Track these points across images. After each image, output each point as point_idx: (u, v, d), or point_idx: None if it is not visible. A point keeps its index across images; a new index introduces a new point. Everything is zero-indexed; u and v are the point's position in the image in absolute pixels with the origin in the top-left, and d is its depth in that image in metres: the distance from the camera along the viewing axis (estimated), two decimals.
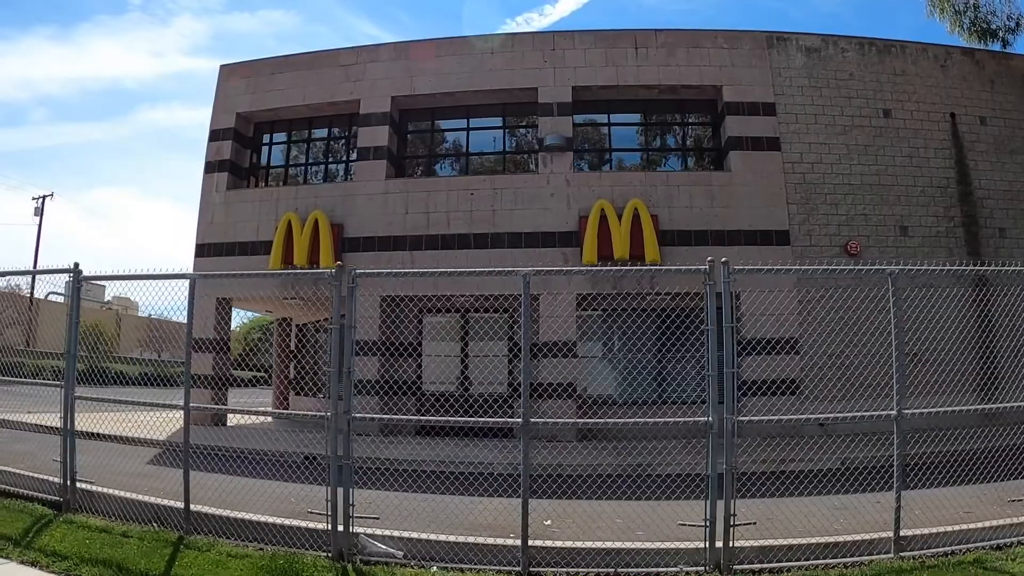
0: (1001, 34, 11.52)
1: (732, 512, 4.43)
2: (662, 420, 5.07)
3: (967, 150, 11.46)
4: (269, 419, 14.50)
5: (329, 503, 4.46)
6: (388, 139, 12.22)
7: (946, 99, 11.69)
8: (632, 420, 5.04)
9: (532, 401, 10.76)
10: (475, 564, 4.31)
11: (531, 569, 4.25)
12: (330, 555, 4.39)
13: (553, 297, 10.97)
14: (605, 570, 4.33)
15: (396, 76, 12.44)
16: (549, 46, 12.14)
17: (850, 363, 10.12)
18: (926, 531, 4.77)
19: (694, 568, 4.37)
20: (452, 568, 4.28)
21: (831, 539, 4.71)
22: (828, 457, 8.51)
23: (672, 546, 4.52)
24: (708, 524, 4.38)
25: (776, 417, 5.02)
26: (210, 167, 13.08)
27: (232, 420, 12.76)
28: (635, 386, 11.26)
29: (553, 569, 4.32)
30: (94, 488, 5.45)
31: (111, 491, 5.43)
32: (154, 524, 4.96)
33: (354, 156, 12.67)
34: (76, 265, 5.56)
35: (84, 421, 9.09)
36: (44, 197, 28.28)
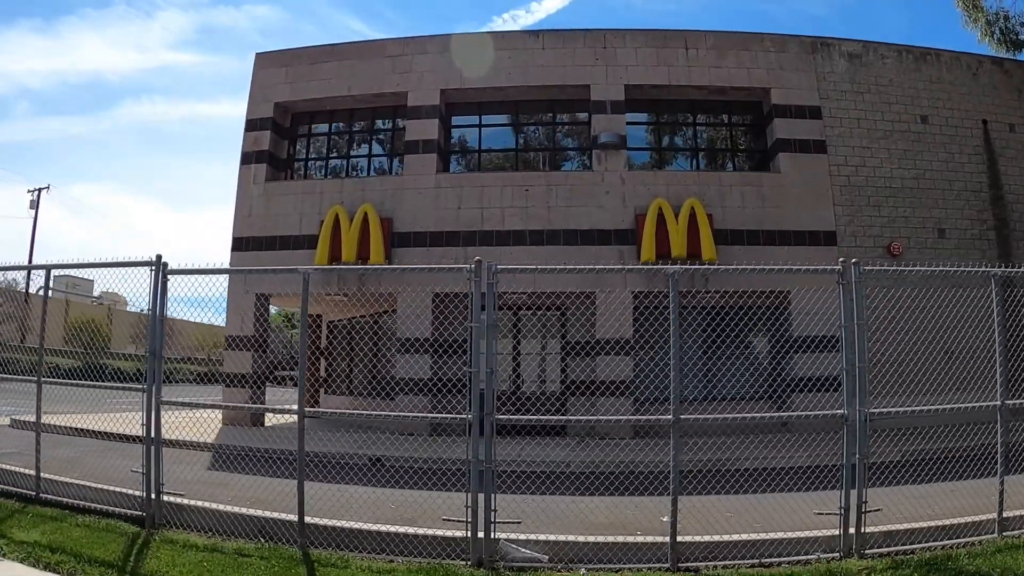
0: None
1: (864, 500, 4.81)
2: (795, 414, 5.43)
3: (998, 156, 12.26)
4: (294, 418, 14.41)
5: (469, 509, 4.41)
6: (438, 133, 12.32)
7: (978, 106, 12.47)
8: (761, 415, 5.37)
9: (587, 399, 11.13)
10: (622, 563, 4.43)
11: (680, 564, 4.44)
12: (469, 563, 4.35)
13: (607, 295, 11.27)
14: (749, 561, 4.60)
15: (445, 69, 12.52)
16: (600, 44, 12.42)
17: (890, 360, 10.72)
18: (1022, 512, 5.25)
19: (829, 555, 4.70)
20: (601, 569, 4.36)
21: (944, 522, 5.12)
22: (888, 451, 9.07)
23: (809, 535, 4.83)
24: (842, 512, 4.74)
25: (906, 409, 5.43)
26: (247, 158, 12.92)
27: (264, 420, 12.69)
28: (688, 383, 11.69)
29: (703, 563, 4.52)
30: (184, 501, 5.19)
31: (205, 504, 5.17)
32: (261, 539, 4.74)
33: (401, 149, 12.72)
34: (159, 258, 5.38)
35: (100, 422, 8.86)
36: (40, 190, 27.14)
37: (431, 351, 11.26)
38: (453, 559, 4.41)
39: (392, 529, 4.71)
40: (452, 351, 11.69)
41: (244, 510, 5.07)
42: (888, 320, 10.23)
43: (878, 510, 4.83)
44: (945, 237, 11.91)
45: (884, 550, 4.81)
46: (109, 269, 5.72)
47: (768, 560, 4.61)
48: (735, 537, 4.78)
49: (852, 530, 4.71)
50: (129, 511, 5.23)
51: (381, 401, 12.28)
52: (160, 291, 5.35)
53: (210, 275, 5.61)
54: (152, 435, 5.16)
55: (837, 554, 4.69)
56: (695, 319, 11.94)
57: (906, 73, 12.55)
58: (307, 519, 4.68)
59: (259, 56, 13.44)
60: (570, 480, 7.45)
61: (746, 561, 4.57)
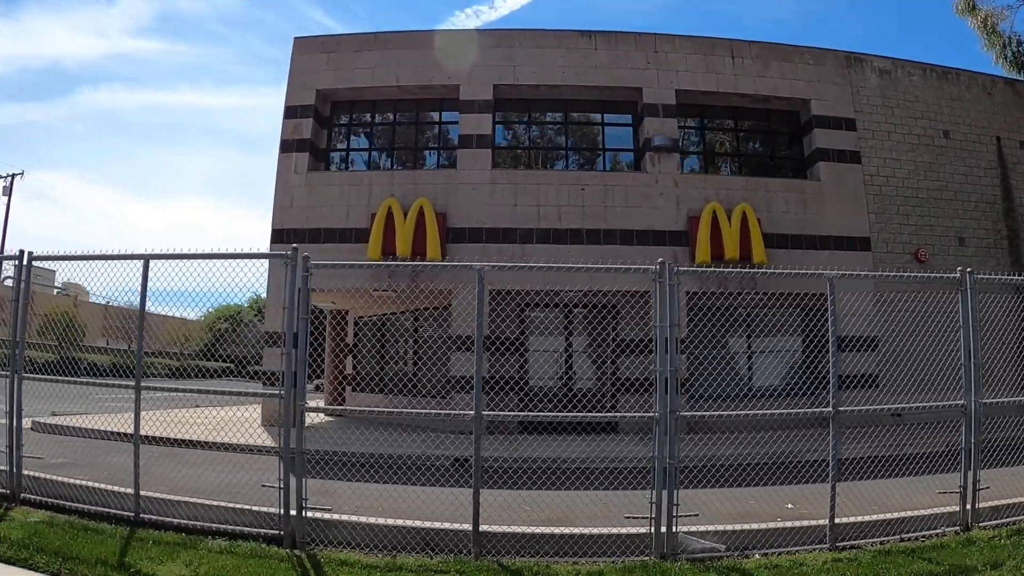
0: None
1: (977, 479, 5.61)
2: (922, 405, 6.18)
3: (1010, 171, 13.70)
4: (324, 416, 14.41)
5: (654, 505, 4.70)
6: (492, 128, 12.63)
7: (993, 124, 13.87)
8: (899, 406, 6.10)
9: (641, 396, 11.74)
10: (787, 546, 4.98)
11: (837, 544, 5.07)
12: (653, 556, 4.67)
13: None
14: (893, 537, 5.29)
15: (496, 64, 12.84)
16: (651, 48, 13.05)
17: (918, 360, 11.87)
18: None
19: (952, 528, 5.45)
20: (771, 553, 4.85)
21: None
22: (936, 441, 10.12)
23: (934, 512, 5.54)
24: (962, 490, 5.52)
25: (1014, 399, 6.27)
26: (287, 146, 12.84)
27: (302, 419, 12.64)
28: (731, 379, 12.52)
29: (856, 542, 5.15)
30: (333, 516, 4.98)
31: (360, 519, 4.96)
32: (428, 551, 4.72)
33: (452, 143, 12.96)
34: (296, 251, 5.13)
35: (118, 423, 8.34)
36: (13, 176, 25.48)
37: (488, 349, 11.58)
38: (635, 555, 4.67)
39: (576, 531, 4.90)
40: (506, 349, 12.13)
41: (409, 522, 4.96)
42: (921, 323, 11.39)
43: (987, 488, 5.63)
44: (965, 245, 13.21)
45: (993, 522, 5.59)
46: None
47: (907, 535, 5.29)
48: (877, 517, 5.44)
49: (969, 506, 5.47)
50: (262, 530, 4.87)
51: (429, 399, 12.51)
52: (301, 286, 5.07)
53: (333, 269, 5.65)
54: (293, 445, 4.85)
55: (958, 527, 5.44)
56: (738, 318, 12.78)
57: (930, 90, 13.80)
58: (482, 527, 4.70)
59: (298, 41, 13.35)
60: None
61: (891, 537, 5.24)
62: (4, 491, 5.67)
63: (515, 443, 9.96)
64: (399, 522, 4.94)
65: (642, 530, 4.80)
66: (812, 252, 12.50)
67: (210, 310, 32.84)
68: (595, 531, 4.90)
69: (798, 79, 13.31)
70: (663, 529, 4.70)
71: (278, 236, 12.55)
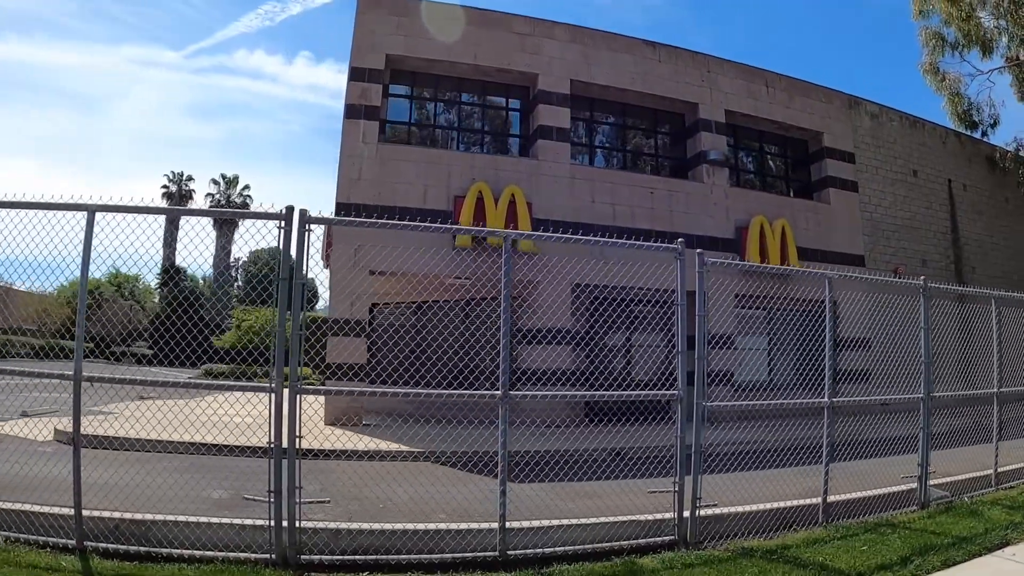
0: (982, 127, 18.97)
1: None
2: (1008, 390, 9.22)
3: (957, 207, 18.57)
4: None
5: (920, 466, 6.79)
6: (570, 122, 14.23)
7: (945, 168, 18.67)
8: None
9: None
10: (971, 491, 7.32)
11: (1000, 486, 7.75)
12: (915, 508, 6.67)
13: (715, 293, 14.50)
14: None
15: (573, 59, 14.47)
16: (705, 68, 15.62)
17: (899, 358, 15.93)
18: None
19: None
20: (975, 495, 7.18)
21: None
22: (940, 423, 13.89)
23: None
24: None
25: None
26: (353, 111, 13.18)
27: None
28: (757, 373, 15.51)
29: (1011, 483, 7.88)
30: (723, 511, 5.64)
31: (745, 508, 5.76)
32: (791, 527, 5.80)
33: (524, 132, 14.27)
34: (683, 243, 5.83)
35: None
36: None
37: (572, 342, 13.20)
38: (901, 508, 6.62)
39: (866, 494, 6.69)
40: (589, 342, 13.79)
41: (775, 504, 6.01)
42: (899, 325, 15.40)
43: None
44: (926, 266, 17.69)
45: None
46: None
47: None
48: (1009, 467, 8.08)
49: None
50: (648, 540, 5.23)
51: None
52: (699, 285, 5.93)
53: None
54: (689, 443, 5.41)
55: None
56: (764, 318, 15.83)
57: (904, 135, 18.19)
58: (829, 498, 6.21)
59: None
60: (760, 456, 10.12)
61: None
62: (265, 556, 4.60)
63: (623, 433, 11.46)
64: (770, 505, 6.00)
65: (902, 488, 6.89)
66: (825, 264, 15.77)
67: (64, 284, 29.25)
68: (876, 492, 6.83)
69: (814, 113, 16.80)
70: (924, 485, 6.85)
71: (344, 211, 12.85)
